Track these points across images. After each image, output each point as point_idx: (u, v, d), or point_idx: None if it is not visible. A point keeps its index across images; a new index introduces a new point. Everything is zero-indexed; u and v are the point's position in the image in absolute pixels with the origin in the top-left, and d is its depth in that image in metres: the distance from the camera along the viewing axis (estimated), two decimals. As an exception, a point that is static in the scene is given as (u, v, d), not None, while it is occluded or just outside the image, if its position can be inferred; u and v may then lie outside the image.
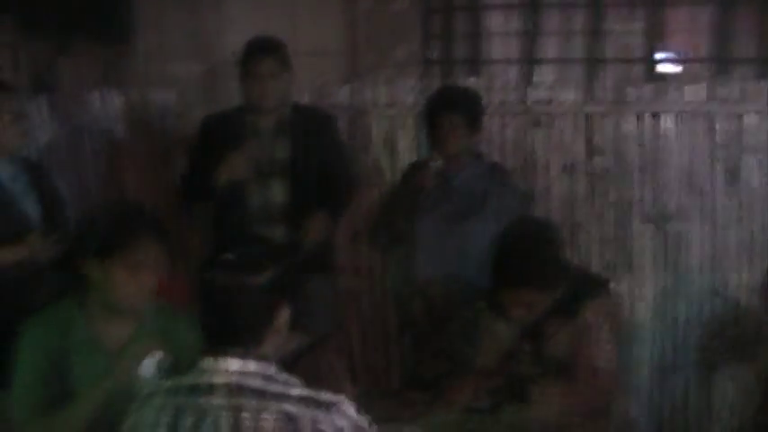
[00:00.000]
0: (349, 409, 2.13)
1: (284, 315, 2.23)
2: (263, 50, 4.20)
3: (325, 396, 2.11)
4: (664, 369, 4.90)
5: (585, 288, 3.27)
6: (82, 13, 5.22)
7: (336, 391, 2.20)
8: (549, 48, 5.94)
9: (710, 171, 4.77)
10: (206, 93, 5.18)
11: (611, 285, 3.49)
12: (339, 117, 4.79)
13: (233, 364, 2.13)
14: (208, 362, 2.16)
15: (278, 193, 4.26)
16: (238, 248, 2.27)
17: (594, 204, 4.87)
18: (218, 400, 2.10)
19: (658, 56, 5.74)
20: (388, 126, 5.01)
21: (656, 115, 4.78)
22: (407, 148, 4.99)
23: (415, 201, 4.12)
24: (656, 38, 5.72)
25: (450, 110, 4.08)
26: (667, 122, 4.77)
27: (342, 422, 2.11)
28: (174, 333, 2.83)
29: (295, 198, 4.23)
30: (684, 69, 5.83)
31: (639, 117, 4.80)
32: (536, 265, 3.14)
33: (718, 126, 4.73)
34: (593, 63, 5.73)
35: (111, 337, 2.76)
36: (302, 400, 2.09)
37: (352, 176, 4.49)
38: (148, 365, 2.72)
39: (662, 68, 5.77)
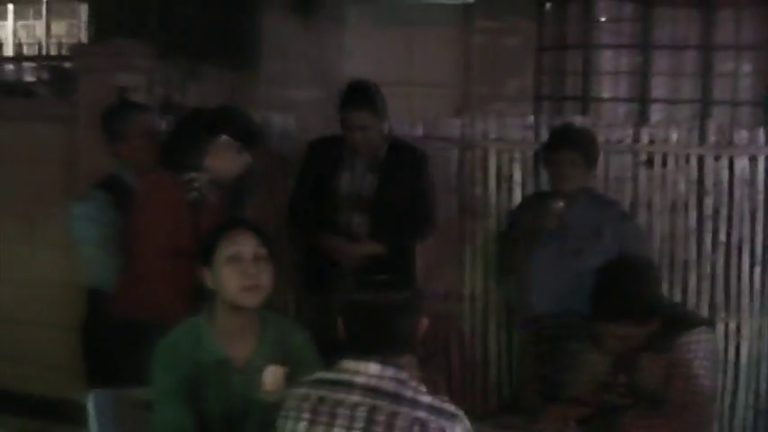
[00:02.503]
0: (467, 422, 2.36)
1: (423, 330, 2.48)
2: (355, 104, 4.28)
3: (449, 407, 2.36)
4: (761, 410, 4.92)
5: (681, 325, 3.34)
6: (212, 40, 5.50)
7: None
8: (659, 87, 6.00)
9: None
10: (324, 118, 5.36)
11: (708, 324, 3.56)
12: (450, 149, 4.92)
13: (373, 367, 2.39)
14: (350, 363, 2.42)
15: (360, 230, 4.37)
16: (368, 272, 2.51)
17: (703, 243, 4.91)
18: (355, 398, 2.36)
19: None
20: (498, 160, 5.09)
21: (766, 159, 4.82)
22: (516, 182, 5.06)
23: (535, 237, 4.22)
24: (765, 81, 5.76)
25: (570, 148, 4.19)
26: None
27: None
28: (289, 345, 2.96)
29: (374, 234, 4.34)
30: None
31: (750, 159, 4.83)
32: (632, 300, 3.25)
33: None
34: (704, 104, 5.78)
35: (237, 353, 2.86)
36: (432, 408, 2.33)
37: (427, 216, 4.50)
38: (272, 378, 2.84)
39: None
